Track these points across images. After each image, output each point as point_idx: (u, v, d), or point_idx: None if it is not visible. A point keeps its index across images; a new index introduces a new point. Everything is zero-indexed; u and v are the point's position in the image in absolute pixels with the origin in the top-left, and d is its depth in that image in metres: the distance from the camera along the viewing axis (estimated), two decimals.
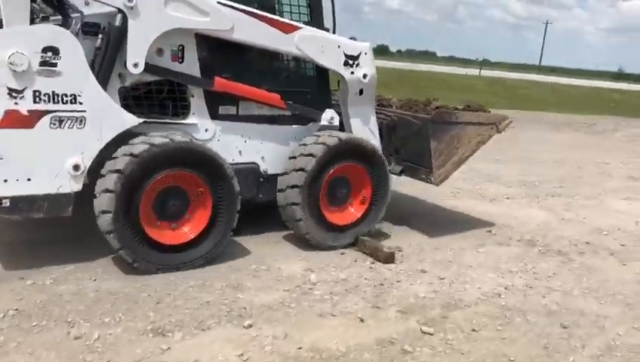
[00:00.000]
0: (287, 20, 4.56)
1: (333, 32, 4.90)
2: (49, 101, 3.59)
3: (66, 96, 3.64)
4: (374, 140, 5.02)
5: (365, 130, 5.00)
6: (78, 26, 3.83)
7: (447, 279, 4.26)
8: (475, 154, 5.35)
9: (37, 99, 3.56)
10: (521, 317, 3.73)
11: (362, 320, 3.50)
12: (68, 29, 3.78)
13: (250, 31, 4.29)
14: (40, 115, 3.58)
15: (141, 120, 3.95)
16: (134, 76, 3.98)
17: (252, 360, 3.00)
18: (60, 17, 4.11)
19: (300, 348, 3.13)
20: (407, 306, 3.75)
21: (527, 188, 7.87)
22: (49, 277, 3.81)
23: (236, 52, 4.42)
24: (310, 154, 4.45)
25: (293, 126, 4.80)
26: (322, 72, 4.89)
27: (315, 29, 4.67)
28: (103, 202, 3.70)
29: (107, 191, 3.69)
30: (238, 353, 3.04)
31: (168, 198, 3.98)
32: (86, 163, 3.74)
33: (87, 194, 3.86)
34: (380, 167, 4.83)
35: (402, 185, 6.32)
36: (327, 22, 4.93)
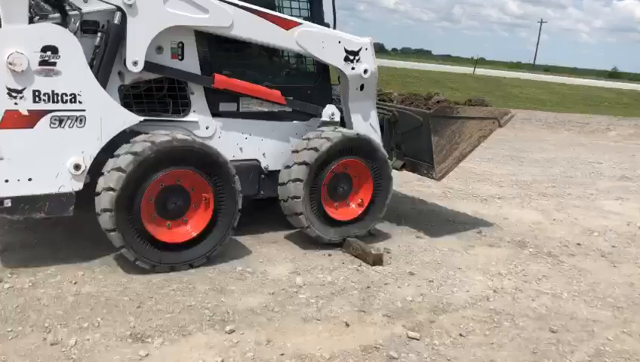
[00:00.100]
0: (287, 16, 4.51)
1: (334, 28, 4.87)
2: (49, 101, 3.56)
3: (66, 95, 3.61)
4: (375, 136, 4.99)
5: (366, 125, 4.98)
6: (77, 24, 3.78)
7: (436, 282, 4.20)
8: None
9: (37, 99, 3.53)
10: (510, 321, 3.67)
11: (347, 325, 3.43)
12: (67, 27, 3.72)
13: (250, 27, 4.24)
14: (40, 114, 3.55)
15: (141, 118, 3.92)
16: (134, 74, 3.95)
17: None
18: (58, 15, 4.02)
19: (282, 354, 3.06)
20: (394, 310, 3.68)
21: (519, 187, 7.82)
22: (28, 280, 3.71)
23: (236, 49, 4.41)
24: (314, 148, 4.43)
25: (294, 122, 4.78)
26: (323, 68, 4.86)
27: (315, 24, 4.64)
28: (105, 200, 3.67)
29: (109, 189, 3.65)
30: (219, 360, 2.96)
31: (170, 197, 3.95)
32: (86, 162, 3.72)
33: (79, 193, 3.79)
34: (382, 164, 4.79)
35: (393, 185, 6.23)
36: (327, 17, 4.91)
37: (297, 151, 4.50)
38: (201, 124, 4.29)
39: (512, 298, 4.03)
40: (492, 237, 5.44)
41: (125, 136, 3.85)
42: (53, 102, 3.57)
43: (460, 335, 3.43)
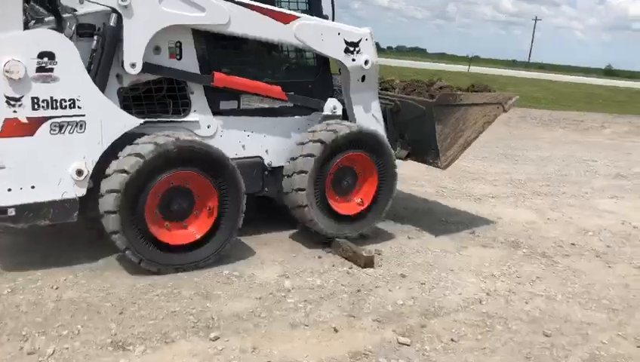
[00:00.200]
0: (284, 10, 4.45)
1: (333, 20, 4.80)
2: (48, 107, 3.52)
3: (65, 101, 3.57)
4: (378, 126, 4.95)
5: (369, 116, 4.93)
6: (73, 28, 3.74)
7: (428, 284, 4.11)
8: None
9: (36, 106, 3.49)
10: (503, 324, 3.59)
11: (336, 331, 3.34)
12: (62, 31, 3.68)
13: (248, 23, 4.18)
14: (40, 121, 3.51)
15: (142, 120, 3.87)
16: (132, 76, 3.89)
17: None
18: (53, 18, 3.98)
19: None
20: (384, 314, 3.59)
21: (513, 186, 7.75)
22: (7, 285, 3.60)
23: (235, 46, 4.36)
24: (320, 140, 4.38)
25: (296, 117, 4.73)
26: (323, 61, 4.80)
27: (313, 17, 4.57)
28: (109, 202, 3.62)
29: (112, 191, 3.62)
30: None
31: (174, 198, 3.91)
32: (89, 167, 3.69)
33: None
34: (386, 158, 4.74)
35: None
36: (326, 10, 4.86)
37: (303, 144, 4.45)
38: (202, 124, 4.23)
39: (505, 300, 3.95)
40: (485, 237, 5.36)
41: (127, 138, 3.81)
42: (53, 108, 3.54)
43: (452, 340, 3.34)
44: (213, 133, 4.28)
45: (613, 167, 10.01)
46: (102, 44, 3.75)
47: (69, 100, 3.58)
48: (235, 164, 4.05)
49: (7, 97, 3.41)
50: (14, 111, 3.43)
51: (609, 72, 72.43)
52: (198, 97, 4.21)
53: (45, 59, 3.47)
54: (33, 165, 3.54)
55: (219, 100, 4.32)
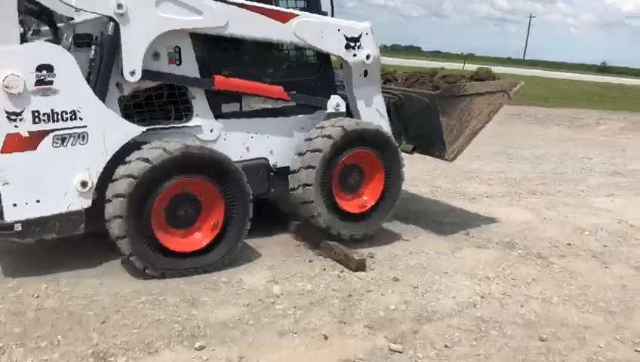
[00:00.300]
0: (283, 9, 4.39)
1: (332, 16, 4.73)
2: (49, 120, 3.51)
3: (66, 113, 3.55)
4: (383, 121, 4.91)
5: (373, 111, 4.89)
6: (70, 39, 3.73)
7: (421, 288, 4.01)
8: None
9: (36, 120, 3.47)
10: (498, 329, 3.49)
11: (326, 338, 3.24)
12: (59, 43, 3.67)
13: (246, 24, 4.14)
14: (41, 135, 3.49)
15: (144, 128, 3.85)
16: (132, 84, 3.86)
17: None
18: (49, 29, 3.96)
19: None
20: (376, 320, 3.49)
21: (508, 185, 7.66)
22: None
23: (234, 47, 4.32)
24: (328, 136, 4.36)
25: (299, 116, 4.69)
26: (324, 58, 4.74)
27: (312, 14, 4.51)
28: (115, 207, 3.59)
29: (119, 195, 3.59)
30: None
31: (180, 204, 3.88)
32: (93, 178, 3.67)
33: None
34: (393, 155, 4.71)
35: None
36: (325, 6, 4.81)
37: (310, 139, 4.41)
38: (205, 128, 4.19)
39: (500, 304, 3.85)
40: (480, 238, 5.26)
41: (130, 147, 3.78)
42: (54, 121, 3.52)
43: (445, 346, 3.24)
44: (217, 137, 4.24)
45: (609, 164, 9.94)
46: (100, 54, 3.71)
47: (70, 112, 3.56)
48: (241, 169, 4.02)
49: (8, 112, 3.38)
50: (15, 126, 3.41)
51: (603, 69, 72.51)
52: (199, 101, 4.17)
53: (44, 72, 3.45)
54: (37, 179, 3.52)
55: (220, 103, 4.28)
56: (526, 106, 19.67)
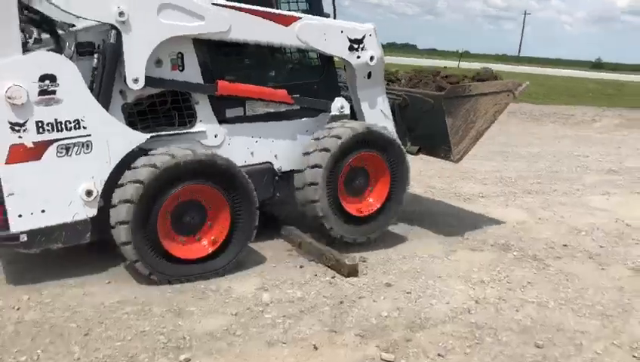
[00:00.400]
0: (285, 12, 4.37)
1: (334, 17, 4.70)
2: (53, 130, 3.49)
3: (69, 122, 3.54)
4: (387, 123, 4.89)
5: (377, 113, 4.86)
6: (72, 47, 3.71)
7: (414, 293, 3.92)
8: None
9: (40, 130, 3.45)
10: (492, 336, 3.40)
11: (316, 348, 3.14)
12: (62, 52, 3.65)
13: (249, 28, 4.12)
14: (45, 145, 3.48)
15: (148, 135, 3.83)
16: (136, 91, 3.83)
17: None
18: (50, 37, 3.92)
19: None
20: (368, 328, 3.39)
21: (503, 185, 7.58)
22: None
23: (237, 52, 4.30)
24: (336, 136, 4.35)
25: (304, 119, 4.65)
26: (327, 60, 4.72)
27: (315, 16, 4.49)
28: (121, 212, 3.57)
29: (126, 201, 3.57)
30: None
31: (186, 211, 3.87)
32: (98, 187, 3.66)
33: None
34: (399, 158, 4.68)
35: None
36: (326, 8, 4.78)
37: (318, 139, 4.39)
38: (209, 133, 4.17)
39: (495, 309, 3.76)
40: (475, 240, 5.18)
41: (135, 154, 3.76)
42: (58, 130, 3.50)
43: (439, 354, 3.15)
44: (221, 142, 4.22)
45: (605, 161, 9.88)
46: (103, 62, 3.69)
47: (74, 121, 3.54)
48: (246, 174, 3.99)
49: (12, 123, 3.36)
50: (19, 137, 3.39)
51: (598, 65, 72.59)
52: (203, 107, 4.14)
53: (47, 82, 3.43)
54: (42, 189, 3.49)
55: (224, 108, 4.25)
56: (521, 104, 19.62)
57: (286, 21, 4.26)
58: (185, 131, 4.08)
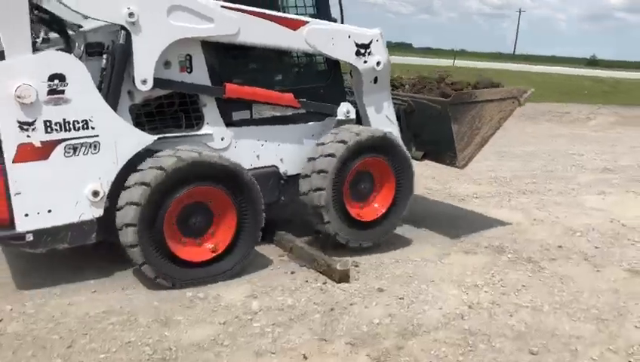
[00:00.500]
0: (293, 16, 4.38)
1: (342, 22, 4.70)
2: (61, 130, 3.49)
3: (78, 122, 3.53)
4: (392, 128, 4.89)
5: (383, 118, 4.87)
6: (82, 48, 3.71)
7: (406, 299, 3.85)
8: None
9: (48, 129, 3.45)
10: (486, 342, 3.33)
11: (305, 358, 3.07)
12: (71, 51, 3.64)
13: (258, 32, 4.13)
14: (53, 144, 3.48)
15: (156, 137, 3.82)
16: (144, 93, 3.83)
17: None
18: (59, 36, 3.90)
19: None
20: (359, 336, 3.32)
21: (498, 185, 7.52)
22: None
23: (244, 55, 4.32)
24: (342, 141, 4.35)
25: (309, 123, 4.66)
26: (333, 65, 4.73)
27: (322, 21, 4.50)
28: (128, 214, 3.56)
29: (133, 203, 3.56)
30: None
31: (193, 214, 3.86)
32: (104, 188, 3.64)
33: None
34: (404, 163, 4.68)
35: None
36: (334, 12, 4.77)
37: (324, 144, 4.39)
38: (216, 136, 4.17)
39: (489, 314, 3.70)
40: (469, 242, 5.11)
41: (142, 156, 3.75)
42: (66, 130, 3.50)
43: None
44: (227, 145, 4.21)
45: (600, 160, 9.83)
46: (112, 63, 3.68)
47: (82, 121, 3.53)
48: (252, 177, 4.00)
49: (20, 122, 3.36)
50: (28, 136, 3.39)
51: (593, 62, 72.71)
52: (210, 110, 4.14)
53: (56, 82, 3.43)
54: (49, 189, 3.48)
55: (231, 111, 4.25)
56: None
57: (294, 25, 4.28)
58: (192, 133, 4.07)
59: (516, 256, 4.82)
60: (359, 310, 3.65)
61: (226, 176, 3.85)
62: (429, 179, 7.52)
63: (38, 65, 3.41)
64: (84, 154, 3.56)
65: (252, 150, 4.34)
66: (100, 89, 3.63)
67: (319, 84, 4.69)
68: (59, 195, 3.52)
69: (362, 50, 4.58)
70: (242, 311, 3.55)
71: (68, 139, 3.50)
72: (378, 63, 4.67)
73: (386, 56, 4.73)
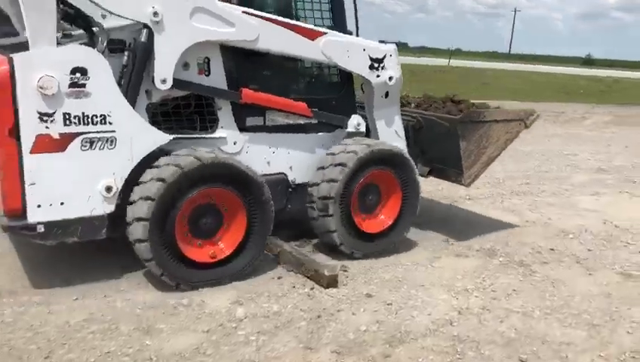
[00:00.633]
0: (312, 26, 4.43)
1: (357, 35, 4.78)
2: (79, 123, 3.50)
3: (96, 117, 3.55)
4: (400, 143, 4.95)
5: (391, 132, 4.93)
6: (104, 44, 3.73)
7: (395, 304, 3.78)
8: None
9: (67, 122, 3.47)
10: (474, 350, 3.27)
11: None
12: (94, 47, 3.66)
13: (276, 39, 4.17)
14: (71, 137, 3.49)
15: (171, 137, 3.83)
16: (162, 92, 3.86)
17: None
18: (81, 32, 3.90)
19: None
20: (345, 344, 3.25)
21: (491, 186, 7.46)
22: None
23: (261, 62, 4.34)
24: (353, 152, 4.37)
25: (320, 133, 4.69)
26: (347, 77, 4.77)
27: (339, 33, 4.55)
28: (141, 209, 3.56)
29: (147, 198, 3.57)
30: None
31: (203, 215, 3.89)
32: (118, 184, 3.65)
33: None
34: (411, 177, 4.72)
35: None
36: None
37: (334, 154, 4.42)
38: (229, 140, 4.19)
39: (478, 320, 3.63)
40: (460, 245, 5.05)
41: (155, 155, 3.76)
42: (84, 124, 3.51)
43: None
44: (239, 150, 4.23)
45: (594, 160, 9.80)
46: (133, 60, 3.71)
47: (100, 116, 3.55)
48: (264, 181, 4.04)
49: (40, 113, 3.37)
50: (46, 127, 3.40)
51: (588, 62, 72.84)
52: (225, 113, 4.17)
53: (78, 75, 3.45)
54: (63, 181, 3.50)
55: (245, 116, 4.29)
56: (511, 102, 19.54)
57: (312, 35, 4.32)
58: (206, 136, 4.09)
59: (508, 259, 4.76)
60: (346, 317, 3.58)
61: (240, 179, 3.89)
62: (421, 180, 7.43)
63: (61, 57, 3.43)
64: (100, 149, 3.57)
65: (263, 156, 4.36)
66: (119, 85, 3.65)
67: (332, 96, 4.73)
68: (72, 188, 3.53)
69: (376, 65, 4.65)
70: (227, 319, 3.47)
71: (85, 133, 3.52)
72: (390, 78, 4.72)
73: (399, 71, 4.79)
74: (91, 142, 3.54)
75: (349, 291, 3.96)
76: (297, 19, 4.52)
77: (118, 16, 3.67)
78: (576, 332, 3.55)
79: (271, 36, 4.12)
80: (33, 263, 4.16)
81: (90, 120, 3.52)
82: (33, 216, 3.44)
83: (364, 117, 4.86)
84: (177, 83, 3.86)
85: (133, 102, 3.70)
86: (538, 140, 11.83)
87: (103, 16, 3.72)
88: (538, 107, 18.34)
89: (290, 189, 4.53)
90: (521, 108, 5.44)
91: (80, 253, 4.32)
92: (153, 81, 3.76)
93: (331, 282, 3.99)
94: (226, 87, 4.14)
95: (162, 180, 3.58)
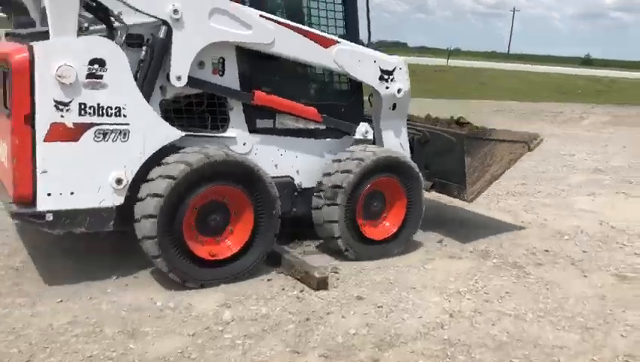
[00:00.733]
0: (325, 34, 4.49)
1: (368, 45, 4.84)
2: (94, 114, 3.53)
3: (111, 108, 3.57)
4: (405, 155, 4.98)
5: (397, 144, 4.94)
6: (123, 38, 3.76)
7: (385, 307, 3.72)
8: None
9: (82, 112, 3.49)
10: (466, 354, 3.21)
11: None
12: (113, 40, 3.67)
13: (291, 45, 4.24)
14: (85, 127, 3.51)
15: (183, 133, 3.86)
16: (176, 89, 3.89)
17: None
18: (100, 27, 3.89)
19: None
20: (333, 348, 3.19)
21: None
22: None
23: (275, 65, 4.39)
24: (359, 159, 4.40)
25: (327, 139, 4.73)
26: (356, 85, 4.82)
27: (351, 43, 4.60)
28: (150, 205, 3.58)
29: (156, 195, 3.58)
30: None
31: (211, 212, 3.89)
32: (128, 177, 3.66)
33: None
34: (415, 184, 4.73)
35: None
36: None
37: (340, 161, 4.45)
38: (239, 140, 4.22)
39: (470, 323, 3.57)
40: (453, 246, 4.99)
41: (166, 150, 3.77)
42: (99, 115, 3.53)
43: None
44: (248, 151, 4.26)
45: (591, 160, 9.76)
46: (150, 55, 3.74)
47: (115, 108, 3.57)
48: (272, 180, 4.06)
49: (57, 101, 3.40)
50: (62, 116, 3.42)
51: (587, 62, 72.82)
52: (236, 114, 4.20)
53: (96, 66, 3.48)
54: (74, 171, 3.51)
55: (256, 118, 4.32)
56: (510, 102, 19.51)
57: (326, 43, 4.39)
58: (217, 135, 4.12)
59: (501, 260, 4.71)
60: (335, 319, 3.52)
61: (248, 177, 3.91)
62: None
63: (81, 47, 3.45)
64: (113, 140, 3.58)
65: (271, 158, 4.38)
66: (135, 79, 3.66)
67: (341, 103, 4.77)
68: (83, 179, 3.54)
69: (385, 76, 4.69)
70: (213, 322, 3.41)
71: (99, 124, 3.53)
72: (399, 91, 4.75)
73: (408, 85, 4.81)
74: (104, 133, 3.55)
75: (339, 293, 3.90)
76: (310, 27, 4.53)
77: (139, 11, 3.70)
78: (569, 335, 3.49)
79: (286, 41, 4.18)
80: (19, 265, 4.10)
81: (105, 111, 3.54)
82: (43, 204, 3.44)
83: (371, 127, 4.90)
84: (192, 81, 3.88)
85: (147, 97, 3.72)
86: None
87: (123, 11, 3.75)
88: (536, 107, 18.36)
89: (296, 193, 4.54)
90: (525, 131, 5.51)
91: (67, 254, 4.27)
92: (168, 78, 3.79)
93: (321, 284, 3.93)
94: (238, 88, 4.17)
95: (171, 177, 3.59)
